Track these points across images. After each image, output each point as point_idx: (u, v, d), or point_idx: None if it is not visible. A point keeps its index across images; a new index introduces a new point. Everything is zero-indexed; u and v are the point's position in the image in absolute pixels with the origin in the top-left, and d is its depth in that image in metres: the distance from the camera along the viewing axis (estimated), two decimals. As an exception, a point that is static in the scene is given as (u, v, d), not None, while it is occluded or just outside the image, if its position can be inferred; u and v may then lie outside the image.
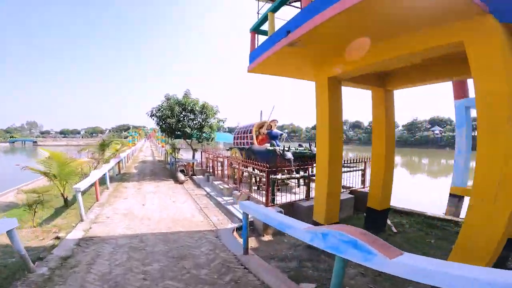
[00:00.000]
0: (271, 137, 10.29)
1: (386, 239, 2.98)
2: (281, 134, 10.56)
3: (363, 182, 7.80)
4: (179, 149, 19.61)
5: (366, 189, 7.19)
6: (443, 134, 73.64)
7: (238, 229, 5.53)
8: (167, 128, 11.99)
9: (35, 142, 68.61)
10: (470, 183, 7.95)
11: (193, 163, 13.15)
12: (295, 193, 7.46)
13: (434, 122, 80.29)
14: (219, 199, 8.14)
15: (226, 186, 8.70)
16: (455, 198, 8.09)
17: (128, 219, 6.25)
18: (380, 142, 5.43)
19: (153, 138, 62.14)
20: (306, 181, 6.87)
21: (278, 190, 7.17)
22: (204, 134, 13.07)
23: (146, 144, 48.17)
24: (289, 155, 7.83)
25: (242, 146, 11.36)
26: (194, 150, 13.43)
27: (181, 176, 11.18)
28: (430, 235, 5.27)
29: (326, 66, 4.66)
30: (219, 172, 10.33)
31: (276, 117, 10.47)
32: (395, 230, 5.45)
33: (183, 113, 12.38)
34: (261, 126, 11.24)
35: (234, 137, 12.27)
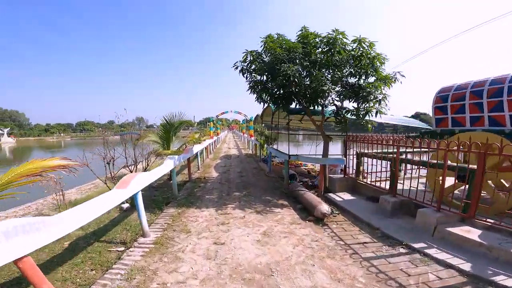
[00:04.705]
0: None
1: None
2: None
3: None
4: (275, 138, 13.18)
5: None
6: None
7: None
8: (278, 87, 5.30)
9: (139, 134, 77.56)
10: None
11: (324, 166, 6.12)
12: None
13: None
14: None
15: None
16: None
17: None
18: None
19: (235, 129, 59.61)
20: None
21: None
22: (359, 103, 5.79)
23: (229, 135, 45.22)
24: None
25: (497, 125, 3.62)
26: (328, 138, 6.35)
27: (321, 206, 4.30)
28: None
29: None
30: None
31: None
32: None
33: (307, 59, 5.42)
34: None
35: (447, 106, 4.58)
